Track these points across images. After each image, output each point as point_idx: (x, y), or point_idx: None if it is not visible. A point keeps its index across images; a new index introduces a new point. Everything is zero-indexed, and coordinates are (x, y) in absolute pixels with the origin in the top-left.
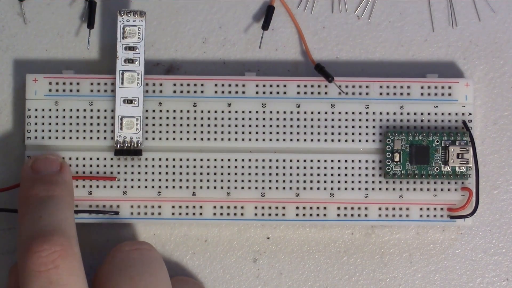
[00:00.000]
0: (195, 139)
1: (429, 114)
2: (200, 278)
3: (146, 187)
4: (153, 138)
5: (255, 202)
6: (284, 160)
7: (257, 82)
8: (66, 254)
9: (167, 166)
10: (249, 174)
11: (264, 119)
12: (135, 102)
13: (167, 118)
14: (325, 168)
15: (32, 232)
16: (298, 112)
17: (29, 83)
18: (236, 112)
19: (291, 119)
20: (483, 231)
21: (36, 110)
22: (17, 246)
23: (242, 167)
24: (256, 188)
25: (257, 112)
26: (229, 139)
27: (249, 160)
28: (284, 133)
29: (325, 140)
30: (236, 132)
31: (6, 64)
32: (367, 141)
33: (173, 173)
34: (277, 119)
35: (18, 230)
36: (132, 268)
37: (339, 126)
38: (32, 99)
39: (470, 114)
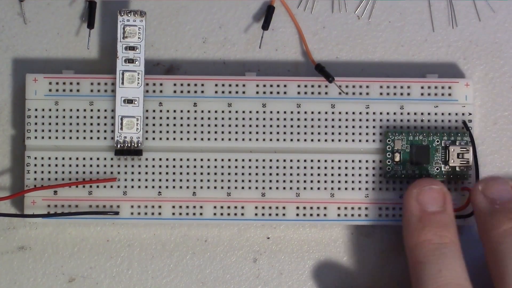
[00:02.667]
0: (195, 139)
1: (429, 114)
2: (200, 278)
3: (146, 187)
4: (153, 138)
5: (255, 202)
6: (284, 160)
7: (257, 82)
8: None
9: (167, 166)
10: (249, 174)
11: (264, 119)
12: (135, 102)
13: (167, 118)
14: (325, 168)
15: (438, 286)
16: (298, 112)
17: (29, 83)
18: (237, 112)
19: (291, 119)
20: None
21: (36, 110)
22: None
23: (243, 167)
24: (256, 188)
25: (257, 112)
26: (229, 139)
27: (249, 160)
28: (284, 133)
29: (325, 140)
30: (236, 132)
31: (6, 64)
32: (367, 141)
33: (173, 173)
34: (277, 119)
35: (415, 279)
36: None
37: (339, 126)
38: (32, 99)
39: (470, 114)
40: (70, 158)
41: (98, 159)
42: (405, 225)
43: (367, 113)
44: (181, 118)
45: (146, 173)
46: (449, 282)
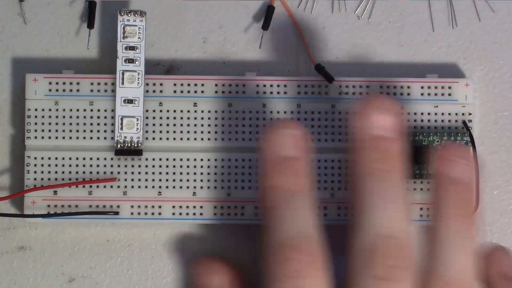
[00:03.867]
0: (195, 139)
1: (429, 114)
2: None
3: (146, 187)
4: (154, 138)
5: (255, 202)
6: None
7: (257, 82)
8: (314, 265)
9: (167, 166)
10: (250, 174)
11: (264, 119)
12: (136, 102)
13: (168, 118)
14: (325, 168)
15: (284, 235)
16: (298, 112)
17: (29, 83)
18: (237, 112)
19: (291, 119)
20: (483, 231)
21: (36, 110)
22: (265, 240)
23: (243, 167)
24: (257, 188)
25: (257, 112)
26: (229, 139)
27: (250, 160)
28: None
29: (325, 140)
30: (236, 132)
31: (6, 64)
32: None
33: (173, 173)
34: (277, 119)
35: (267, 224)
36: None
37: (340, 126)
38: (32, 99)
39: (470, 114)
40: (70, 158)
41: (98, 159)
42: (260, 167)
43: None
44: (181, 118)
45: (146, 173)
46: (296, 229)
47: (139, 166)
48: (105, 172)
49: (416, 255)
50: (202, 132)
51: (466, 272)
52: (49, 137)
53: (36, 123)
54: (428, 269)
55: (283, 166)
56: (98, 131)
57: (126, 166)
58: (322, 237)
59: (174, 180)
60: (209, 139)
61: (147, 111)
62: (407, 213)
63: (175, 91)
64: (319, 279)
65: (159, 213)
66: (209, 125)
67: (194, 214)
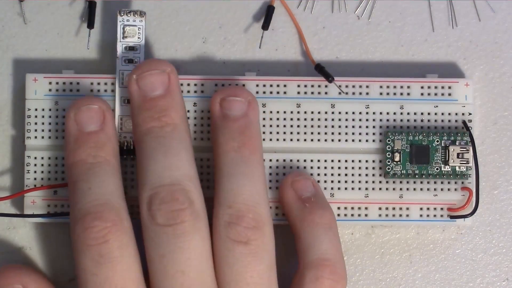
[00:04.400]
0: (195, 139)
1: (429, 114)
2: None
3: None
4: None
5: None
6: (284, 160)
7: (257, 82)
8: (116, 229)
9: None
10: None
11: (264, 119)
12: None
13: None
14: (325, 168)
15: (83, 205)
16: (298, 112)
17: (29, 83)
18: None
19: (291, 119)
20: (483, 231)
21: (36, 110)
22: (70, 215)
23: None
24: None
25: None
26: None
27: None
28: (284, 133)
29: (325, 140)
30: None
31: (6, 64)
32: (367, 141)
33: None
34: (277, 119)
35: (70, 198)
36: None
37: (339, 126)
38: (32, 99)
39: (470, 114)
40: None
41: None
42: (64, 145)
43: (367, 113)
44: None
45: None
46: (96, 198)
47: None
48: None
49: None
50: (202, 132)
51: (252, 197)
52: (49, 137)
53: (36, 123)
54: (215, 199)
55: (85, 140)
56: None
57: (126, 166)
58: (123, 203)
59: None
60: (209, 139)
61: None
62: (187, 159)
63: None
64: (123, 242)
65: None
66: (209, 125)
67: None
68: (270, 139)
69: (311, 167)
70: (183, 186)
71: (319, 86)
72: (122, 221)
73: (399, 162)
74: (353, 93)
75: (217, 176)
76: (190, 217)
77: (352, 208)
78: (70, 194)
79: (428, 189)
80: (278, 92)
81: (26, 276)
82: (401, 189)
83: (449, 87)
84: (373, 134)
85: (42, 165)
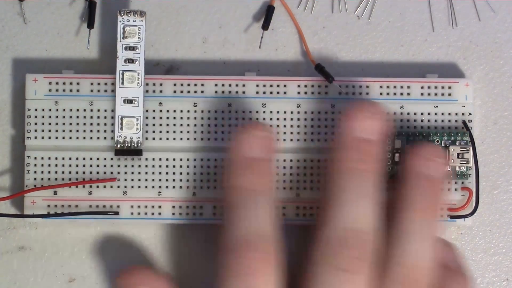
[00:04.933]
0: (195, 139)
1: (429, 114)
2: (200, 278)
3: (146, 187)
4: (153, 138)
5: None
6: (284, 160)
7: (257, 82)
8: (269, 264)
9: (167, 166)
10: None
11: (264, 119)
12: (135, 102)
13: (167, 118)
14: (326, 168)
15: (241, 233)
16: (298, 112)
17: (29, 83)
18: (236, 112)
19: (291, 119)
20: (483, 231)
21: (36, 110)
22: (222, 238)
23: None
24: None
25: (257, 112)
26: (230, 139)
27: None
28: (284, 133)
29: (326, 140)
30: None
31: (6, 64)
32: None
33: (173, 173)
34: (277, 119)
35: (225, 220)
36: None
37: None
38: (32, 99)
39: (470, 114)
40: (70, 158)
41: (98, 159)
42: (225, 165)
43: None
44: (181, 118)
45: (146, 173)
46: (253, 227)
47: (139, 166)
48: (105, 172)
49: (380, 250)
50: (202, 132)
51: (425, 260)
52: (49, 137)
53: (36, 123)
54: (389, 257)
55: (247, 166)
56: (98, 131)
57: (126, 166)
58: (279, 237)
59: (174, 180)
60: (209, 139)
61: (147, 111)
62: (377, 211)
63: (175, 91)
64: (271, 277)
65: (159, 213)
66: (209, 125)
67: (194, 214)
68: None
69: (311, 167)
70: (370, 236)
71: (319, 86)
72: (277, 254)
73: (399, 162)
74: (353, 93)
75: (396, 232)
76: (367, 270)
77: None
78: (225, 216)
79: None
80: (278, 92)
81: (154, 280)
82: None
83: (449, 87)
84: None
85: (42, 165)
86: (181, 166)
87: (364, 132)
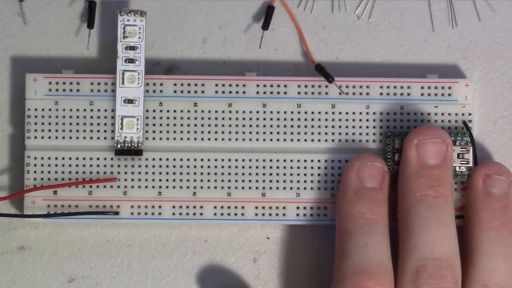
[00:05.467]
0: (195, 139)
1: (429, 114)
2: (200, 278)
3: (146, 187)
4: (154, 138)
5: (255, 202)
6: (284, 160)
7: (258, 82)
8: None
9: (167, 166)
10: (250, 174)
11: (264, 119)
12: (136, 102)
13: (168, 118)
14: (326, 168)
15: (358, 261)
16: (298, 112)
17: (29, 83)
18: (237, 112)
19: (292, 119)
20: None
21: (36, 110)
22: (339, 264)
23: (243, 167)
24: (257, 188)
25: (257, 112)
26: (230, 139)
27: (250, 160)
28: (285, 133)
29: (326, 140)
30: (236, 132)
31: (6, 64)
32: (367, 141)
33: (173, 173)
34: (278, 119)
35: (340, 247)
36: None
37: (340, 126)
38: (32, 99)
39: (470, 114)
40: (70, 158)
41: (98, 159)
42: (341, 195)
43: (367, 113)
44: (181, 118)
45: (146, 173)
46: (372, 256)
47: (139, 166)
48: (105, 172)
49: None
50: (202, 132)
51: (506, 279)
52: (49, 137)
53: (36, 123)
54: (469, 276)
55: (365, 195)
56: (98, 131)
57: (126, 166)
58: (392, 266)
59: (174, 180)
60: (209, 139)
61: (147, 111)
62: (455, 234)
63: (175, 91)
64: None
65: (159, 213)
66: (209, 125)
67: (194, 214)
68: (270, 139)
69: (312, 167)
70: (452, 263)
71: (319, 86)
72: (391, 285)
73: (399, 162)
74: (353, 93)
75: (473, 252)
76: None
77: None
78: (341, 243)
79: None
80: (278, 92)
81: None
82: None
83: (449, 88)
84: (373, 134)
85: (42, 165)
86: (181, 166)
87: (432, 158)
